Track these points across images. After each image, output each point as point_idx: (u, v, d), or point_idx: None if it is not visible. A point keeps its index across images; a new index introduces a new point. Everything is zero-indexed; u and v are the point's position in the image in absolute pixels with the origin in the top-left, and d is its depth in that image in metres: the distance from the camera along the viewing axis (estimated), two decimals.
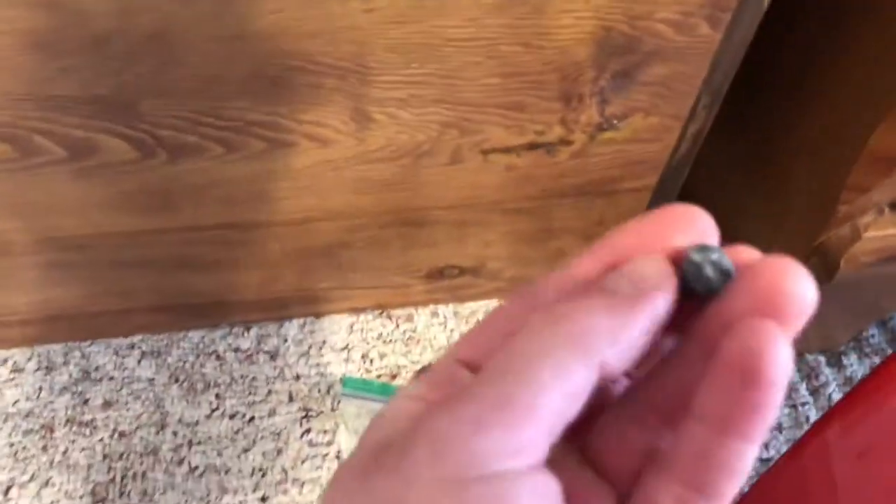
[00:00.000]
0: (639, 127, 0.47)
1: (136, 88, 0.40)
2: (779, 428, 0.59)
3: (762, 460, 0.58)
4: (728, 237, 0.61)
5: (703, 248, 0.18)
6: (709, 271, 0.18)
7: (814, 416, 0.59)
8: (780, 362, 0.16)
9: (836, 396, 0.60)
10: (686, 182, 0.54)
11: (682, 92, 0.45)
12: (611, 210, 0.54)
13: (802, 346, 0.62)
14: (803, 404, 0.60)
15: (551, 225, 0.55)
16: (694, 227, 0.19)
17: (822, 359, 0.62)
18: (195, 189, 0.47)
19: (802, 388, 0.60)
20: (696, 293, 0.18)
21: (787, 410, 0.59)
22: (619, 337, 0.17)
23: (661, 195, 0.53)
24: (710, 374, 0.17)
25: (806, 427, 0.59)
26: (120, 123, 0.42)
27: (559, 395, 0.17)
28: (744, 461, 0.17)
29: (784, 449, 0.58)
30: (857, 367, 0.61)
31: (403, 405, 0.20)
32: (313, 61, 0.40)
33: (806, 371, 0.61)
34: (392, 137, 0.45)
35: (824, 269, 0.52)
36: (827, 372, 0.61)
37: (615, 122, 0.46)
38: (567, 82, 0.43)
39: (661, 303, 0.18)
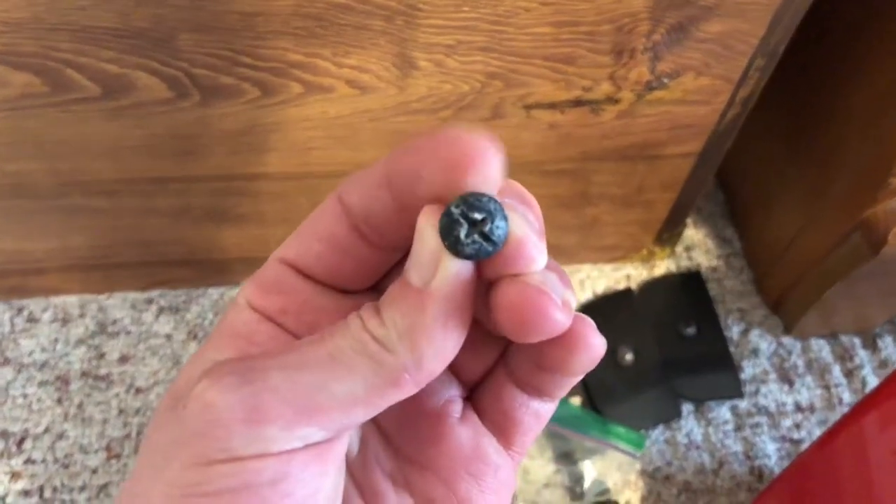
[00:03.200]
0: (689, 87, 0.46)
1: (174, 21, 0.38)
2: (811, 409, 0.57)
3: (792, 441, 0.56)
4: (768, 207, 0.59)
5: (465, 208, 0.16)
6: (465, 238, 0.16)
7: (847, 397, 0.58)
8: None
9: (871, 379, 0.58)
10: (728, 149, 0.53)
11: (737, 51, 0.44)
12: (652, 177, 0.53)
13: (837, 326, 0.60)
14: (836, 385, 0.58)
15: (589, 190, 0.53)
16: (481, 167, 0.17)
17: (856, 340, 0.60)
18: (227, 135, 0.45)
19: (836, 370, 0.59)
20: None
21: (819, 391, 0.58)
22: (426, 353, 0.17)
23: (705, 162, 0.52)
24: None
25: (839, 409, 0.57)
26: (155, 60, 0.40)
27: (356, 408, 0.17)
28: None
29: (816, 431, 0.57)
30: (892, 350, 0.60)
31: (234, 317, 0.20)
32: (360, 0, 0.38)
33: (839, 352, 0.60)
34: (435, 87, 0.43)
35: (869, 245, 0.51)
36: (862, 354, 0.60)
37: (665, 80, 0.45)
38: (621, 34, 0.41)
39: (452, 294, 0.17)
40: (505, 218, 0.17)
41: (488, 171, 0.17)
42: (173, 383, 0.19)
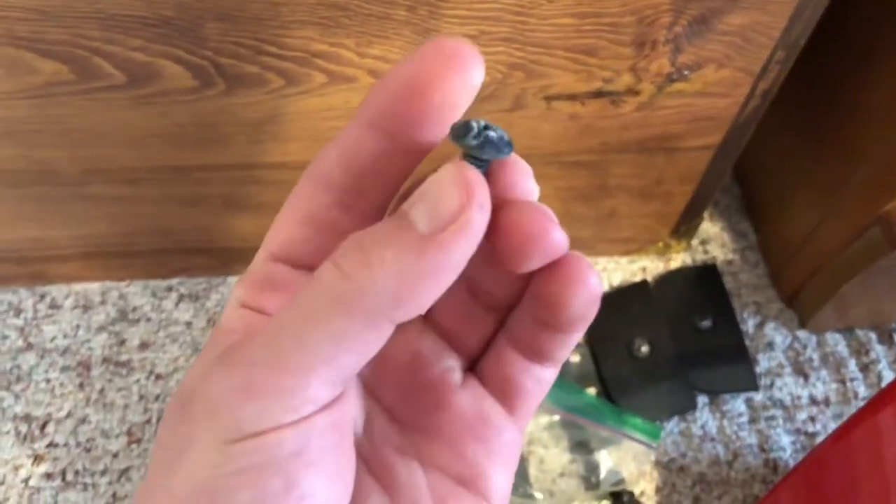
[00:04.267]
0: (709, 80, 0.46)
1: (200, 10, 0.39)
2: (826, 402, 0.58)
3: (807, 434, 0.56)
4: (785, 201, 0.59)
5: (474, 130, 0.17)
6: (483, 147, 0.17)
7: (863, 392, 0.58)
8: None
9: (887, 374, 0.59)
10: (745, 143, 0.53)
11: (758, 44, 0.44)
12: (670, 169, 0.53)
13: (852, 321, 0.60)
14: (852, 380, 0.58)
15: (607, 182, 0.54)
16: (468, 66, 0.17)
17: (872, 335, 0.60)
18: (249, 124, 0.46)
19: (851, 364, 0.59)
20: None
21: (835, 385, 0.58)
22: (407, 299, 0.16)
23: (723, 155, 0.52)
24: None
25: (854, 403, 0.58)
26: (181, 48, 0.41)
27: (341, 357, 0.17)
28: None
29: (832, 425, 0.57)
30: None
31: (229, 315, 0.20)
32: None
33: (855, 346, 0.60)
34: None
35: (887, 239, 0.51)
36: (878, 348, 0.60)
37: (686, 72, 0.45)
38: (643, 26, 0.42)
39: (460, 247, 0.16)
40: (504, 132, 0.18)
41: (477, 67, 0.17)
42: (178, 390, 0.19)
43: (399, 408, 0.21)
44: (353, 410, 0.19)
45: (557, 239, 0.17)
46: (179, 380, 0.57)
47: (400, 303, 0.16)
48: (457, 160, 0.17)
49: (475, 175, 0.17)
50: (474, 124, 0.17)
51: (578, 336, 0.20)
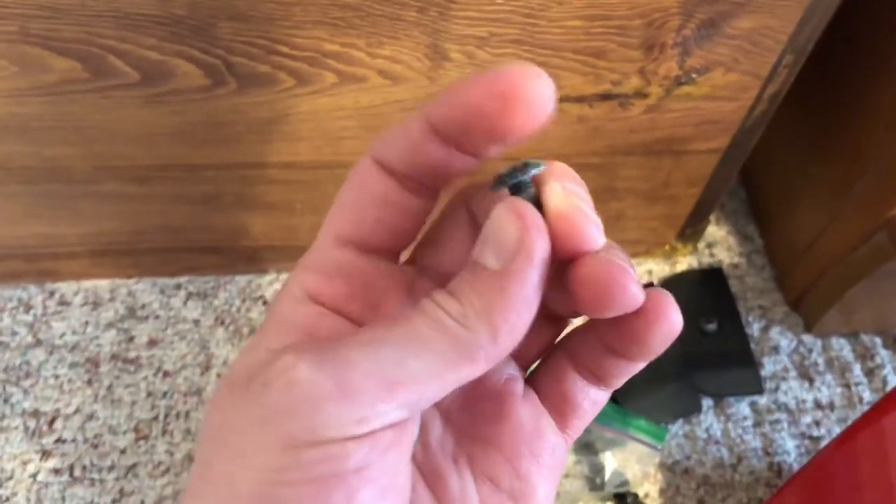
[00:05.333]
0: (717, 83, 0.46)
1: (213, 10, 0.39)
2: (831, 406, 0.58)
3: (812, 438, 0.57)
4: (791, 205, 0.59)
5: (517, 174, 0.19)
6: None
7: (867, 396, 0.58)
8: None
9: (892, 378, 0.59)
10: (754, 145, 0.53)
11: (766, 48, 0.44)
12: (677, 172, 0.53)
13: (857, 325, 0.61)
14: (857, 384, 0.59)
15: (615, 184, 0.54)
16: (535, 101, 0.18)
17: (877, 339, 0.60)
18: (260, 123, 0.46)
19: (857, 369, 0.59)
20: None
21: (839, 390, 0.58)
22: (501, 333, 0.17)
23: (730, 158, 0.52)
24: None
25: (859, 407, 0.58)
26: (194, 48, 0.41)
27: (430, 384, 0.17)
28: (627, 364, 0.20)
29: (836, 429, 0.57)
30: None
31: (293, 309, 0.20)
32: None
33: (861, 351, 0.60)
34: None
35: (893, 244, 0.51)
36: (883, 353, 0.60)
37: (694, 75, 0.45)
38: (651, 29, 0.42)
39: (532, 272, 0.18)
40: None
41: (546, 88, 0.18)
42: (230, 371, 0.19)
43: (459, 414, 0.21)
44: (416, 429, 0.19)
45: (633, 293, 0.18)
46: (187, 377, 0.57)
47: (496, 338, 0.17)
48: (505, 198, 0.19)
49: (524, 205, 0.18)
50: (508, 180, 0.19)
51: (648, 361, 0.20)
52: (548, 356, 0.22)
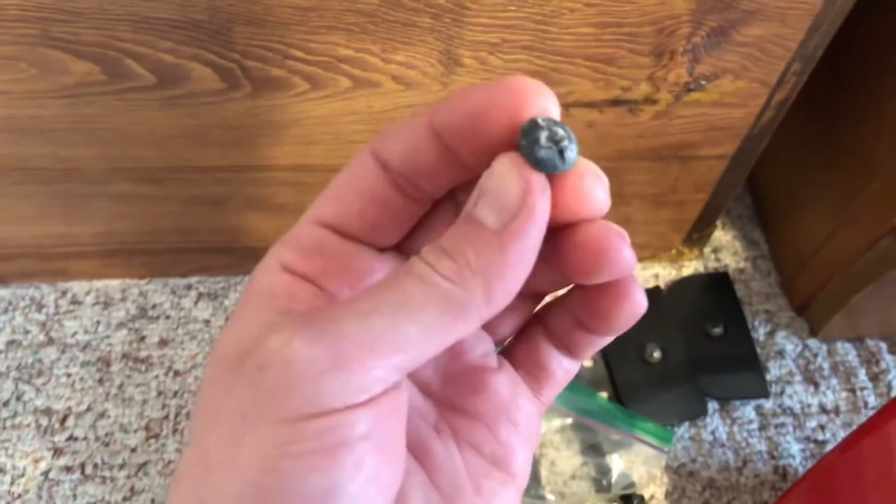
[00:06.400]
0: (726, 90, 0.47)
1: (230, 14, 0.40)
2: (836, 411, 0.58)
3: (817, 442, 0.57)
4: (797, 210, 0.60)
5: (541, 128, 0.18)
6: (545, 150, 0.18)
7: (873, 401, 0.58)
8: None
9: None
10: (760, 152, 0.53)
11: (775, 55, 0.45)
12: (685, 177, 0.53)
13: (863, 330, 0.61)
14: (862, 389, 0.59)
15: (623, 189, 0.54)
16: (539, 100, 0.18)
17: (883, 344, 0.61)
18: (274, 126, 0.47)
19: (861, 373, 0.60)
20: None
21: (844, 394, 0.59)
22: (496, 293, 0.17)
23: (737, 164, 0.53)
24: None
25: (864, 412, 0.58)
26: (210, 51, 0.41)
27: (424, 345, 0.17)
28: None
29: (841, 433, 0.57)
30: None
31: (271, 280, 0.20)
32: None
33: (866, 356, 0.60)
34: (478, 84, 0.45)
35: None
36: (888, 358, 0.60)
37: (703, 82, 0.46)
38: (662, 36, 0.42)
39: (533, 233, 0.17)
40: (576, 145, 0.18)
41: (550, 104, 0.18)
42: (219, 347, 0.19)
43: (436, 386, 0.22)
44: (406, 393, 0.19)
45: (627, 258, 0.19)
46: (197, 376, 0.58)
47: (491, 298, 0.17)
48: (508, 152, 0.18)
49: (525, 161, 0.18)
50: (541, 134, 0.18)
51: (611, 339, 0.21)
52: (524, 328, 0.23)
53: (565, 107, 0.47)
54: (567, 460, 0.53)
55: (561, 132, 0.18)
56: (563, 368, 0.22)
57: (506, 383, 0.22)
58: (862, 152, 0.54)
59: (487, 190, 0.18)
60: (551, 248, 0.19)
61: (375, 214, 0.20)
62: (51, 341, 0.59)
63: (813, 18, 0.42)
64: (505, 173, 0.18)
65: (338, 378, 0.16)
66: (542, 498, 0.52)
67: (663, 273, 0.64)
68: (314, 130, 0.47)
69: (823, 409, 0.58)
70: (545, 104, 0.18)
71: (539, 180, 0.18)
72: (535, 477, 0.53)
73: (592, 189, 0.18)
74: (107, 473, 0.54)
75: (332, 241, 0.21)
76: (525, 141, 0.18)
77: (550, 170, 0.18)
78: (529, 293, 0.22)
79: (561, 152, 0.18)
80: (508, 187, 0.17)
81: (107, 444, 0.55)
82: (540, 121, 0.18)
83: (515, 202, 0.17)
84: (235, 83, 0.43)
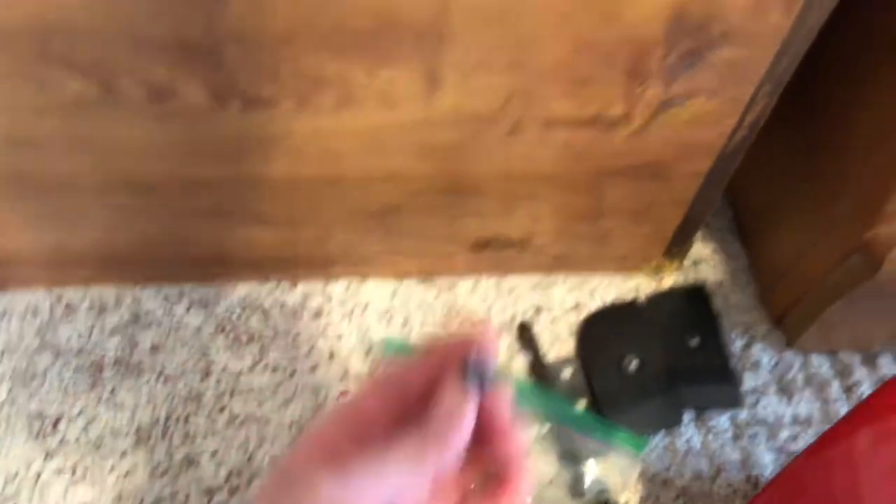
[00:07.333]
0: (699, 110, 0.48)
1: (222, 34, 0.41)
2: (808, 422, 0.60)
3: (789, 452, 0.58)
4: (775, 225, 0.62)
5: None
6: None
7: (845, 412, 0.60)
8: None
9: None
10: (736, 169, 0.55)
11: (746, 77, 0.46)
12: (663, 193, 0.55)
13: (837, 343, 0.63)
14: (835, 400, 0.61)
15: (602, 204, 0.56)
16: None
17: (856, 357, 0.62)
18: (264, 141, 0.49)
19: (835, 385, 0.61)
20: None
21: (817, 405, 0.60)
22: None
23: (713, 181, 0.54)
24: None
25: None
26: (202, 70, 0.43)
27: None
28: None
29: None
30: (891, 368, 0.62)
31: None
32: (396, 18, 0.41)
33: (839, 368, 0.62)
34: (459, 103, 0.46)
35: (867, 266, 0.53)
36: (860, 371, 0.62)
37: (677, 102, 0.47)
38: (637, 58, 0.44)
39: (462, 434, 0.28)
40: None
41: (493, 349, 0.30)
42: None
43: None
44: None
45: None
46: (188, 382, 0.59)
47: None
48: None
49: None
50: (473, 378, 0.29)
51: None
52: None
53: (544, 125, 0.48)
54: (543, 466, 0.55)
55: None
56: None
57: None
58: (834, 169, 0.56)
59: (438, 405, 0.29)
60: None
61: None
62: (45, 346, 0.60)
63: (781, 42, 0.44)
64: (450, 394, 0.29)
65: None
66: None
67: (644, 285, 0.66)
68: (303, 145, 0.49)
69: (797, 420, 0.60)
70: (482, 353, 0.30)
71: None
72: None
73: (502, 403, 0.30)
74: (97, 476, 0.55)
75: None
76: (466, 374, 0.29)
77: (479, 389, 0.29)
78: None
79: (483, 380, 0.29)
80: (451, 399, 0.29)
81: (98, 448, 0.56)
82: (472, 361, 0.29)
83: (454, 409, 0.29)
84: (225, 100, 0.45)
